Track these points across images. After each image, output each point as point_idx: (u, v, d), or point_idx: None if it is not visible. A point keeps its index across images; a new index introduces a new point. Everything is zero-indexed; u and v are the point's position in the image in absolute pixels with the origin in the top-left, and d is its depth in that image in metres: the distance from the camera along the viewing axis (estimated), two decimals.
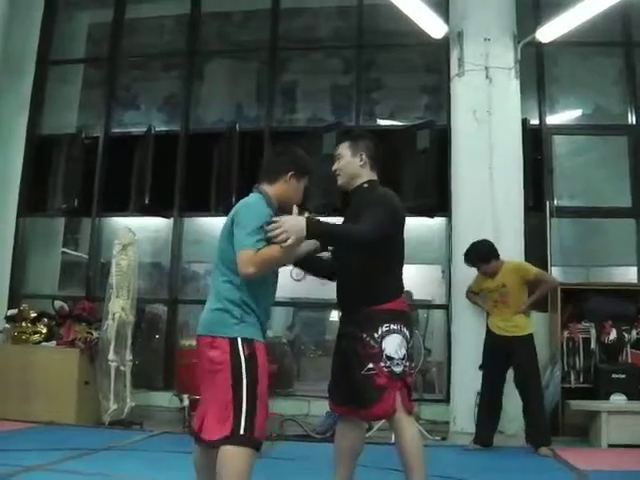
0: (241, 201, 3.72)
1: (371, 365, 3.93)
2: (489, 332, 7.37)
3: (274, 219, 3.56)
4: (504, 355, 7.16)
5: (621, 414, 7.46)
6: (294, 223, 3.56)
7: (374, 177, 4.33)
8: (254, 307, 3.58)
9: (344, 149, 4.32)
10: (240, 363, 3.46)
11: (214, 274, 3.68)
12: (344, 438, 4.21)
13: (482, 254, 7.36)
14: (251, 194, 3.78)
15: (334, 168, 4.33)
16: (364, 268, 4.03)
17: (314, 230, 3.63)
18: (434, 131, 9.55)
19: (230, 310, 3.55)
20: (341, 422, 4.28)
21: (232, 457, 3.36)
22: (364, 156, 4.28)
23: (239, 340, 3.50)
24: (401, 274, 4.22)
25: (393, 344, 3.98)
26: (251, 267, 3.45)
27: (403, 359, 3.99)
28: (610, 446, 7.26)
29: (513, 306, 7.23)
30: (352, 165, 4.28)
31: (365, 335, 3.98)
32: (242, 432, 3.36)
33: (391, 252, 4.14)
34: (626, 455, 6.88)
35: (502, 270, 7.31)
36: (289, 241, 3.49)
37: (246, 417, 3.39)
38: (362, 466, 4.40)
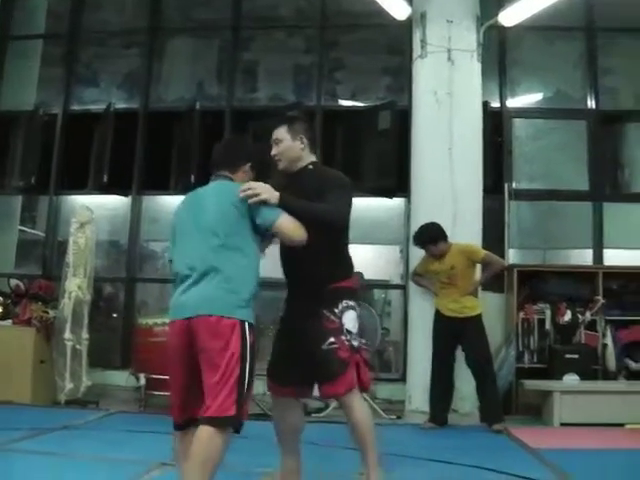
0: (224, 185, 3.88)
1: (332, 339, 3.94)
2: (438, 313, 7.40)
3: (246, 185, 3.67)
4: (453, 336, 7.24)
5: (573, 394, 7.57)
6: (265, 187, 3.68)
7: (314, 158, 4.30)
8: (256, 291, 3.64)
9: (283, 133, 4.22)
10: (246, 347, 3.49)
11: (216, 253, 3.59)
12: (283, 420, 4.24)
13: (430, 235, 7.38)
14: (225, 181, 3.89)
15: (273, 153, 4.24)
16: (321, 247, 3.97)
17: (288, 201, 3.71)
18: (395, 112, 9.59)
19: (239, 292, 3.56)
20: (278, 404, 4.29)
21: (217, 437, 3.39)
22: (304, 139, 4.22)
23: (246, 324, 3.53)
24: (349, 254, 4.26)
25: (351, 319, 4.03)
26: (302, 231, 3.67)
27: (358, 334, 4.05)
28: (562, 425, 7.36)
29: (462, 287, 7.28)
30: (293, 149, 4.21)
31: (325, 311, 3.99)
32: (238, 414, 3.42)
33: (345, 232, 4.16)
34: (577, 434, 6.98)
35: (450, 252, 7.35)
36: (260, 197, 3.62)
37: (243, 400, 3.46)
38: (313, 444, 4.42)
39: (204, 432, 3.39)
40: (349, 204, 4.02)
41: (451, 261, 7.30)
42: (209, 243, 3.61)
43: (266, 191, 3.65)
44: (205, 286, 3.56)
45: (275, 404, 4.33)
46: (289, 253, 4.12)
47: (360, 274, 8.56)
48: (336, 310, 4.01)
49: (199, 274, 3.58)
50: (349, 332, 3.99)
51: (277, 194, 3.68)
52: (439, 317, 7.39)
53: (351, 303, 4.07)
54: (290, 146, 4.19)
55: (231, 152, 4.01)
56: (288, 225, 3.66)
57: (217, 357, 3.45)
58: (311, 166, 4.23)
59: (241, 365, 3.45)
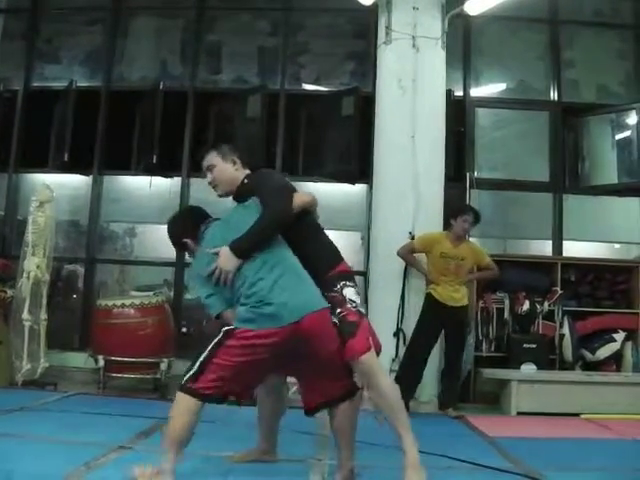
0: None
1: (339, 310, 4.01)
2: (436, 302, 7.36)
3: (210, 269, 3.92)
4: (442, 324, 7.33)
5: (530, 383, 7.69)
6: (223, 259, 3.85)
7: (247, 171, 4.30)
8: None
9: (213, 158, 4.27)
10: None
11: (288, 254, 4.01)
12: (264, 404, 4.43)
13: (459, 207, 7.63)
14: None
15: (209, 180, 4.29)
16: (296, 246, 4.07)
17: (239, 251, 3.84)
18: (359, 98, 9.60)
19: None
20: (264, 387, 4.37)
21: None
22: (236, 158, 4.26)
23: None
24: (328, 240, 4.30)
25: (351, 292, 4.10)
26: None
27: (362, 304, 4.19)
28: (519, 414, 7.47)
29: (462, 278, 7.42)
30: (227, 172, 4.24)
31: (325, 292, 4.02)
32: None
33: (305, 220, 4.20)
34: (533, 423, 7.09)
35: (466, 244, 7.51)
36: (230, 276, 3.84)
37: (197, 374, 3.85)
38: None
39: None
40: (279, 193, 4.03)
41: (464, 253, 7.39)
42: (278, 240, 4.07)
43: (224, 266, 3.86)
44: (299, 284, 3.96)
45: (261, 386, 4.38)
46: None
47: None
48: (335, 288, 4.06)
49: None
50: (352, 301, 4.06)
51: (231, 258, 3.83)
52: (436, 305, 7.34)
53: (349, 283, 4.14)
54: (223, 170, 4.24)
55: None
56: None
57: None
58: (246, 180, 4.24)
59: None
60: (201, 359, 3.76)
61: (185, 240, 4.26)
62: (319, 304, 3.90)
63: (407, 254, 7.67)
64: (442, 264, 7.37)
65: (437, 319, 7.33)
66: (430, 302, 7.41)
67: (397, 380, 7.33)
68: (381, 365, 4.22)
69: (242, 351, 3.74)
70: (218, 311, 4.06)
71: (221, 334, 3.80)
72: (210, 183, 4.28)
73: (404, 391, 7.25)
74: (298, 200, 4.08)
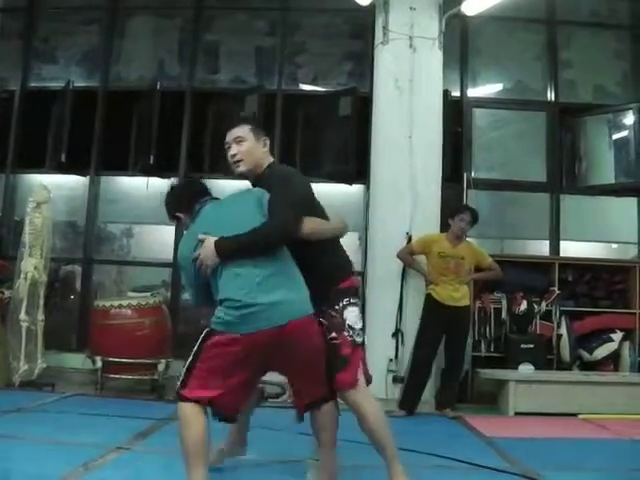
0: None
1: (334, 334, 3.89)
2: (435, 302, 7.35)
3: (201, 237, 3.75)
4: (446, 324, 7.30)
5: (528, 383, 7.69)
6: (206, 251, 3.66)
7: (272, 159, 4.12)
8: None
9: (246, 132, 4.04)
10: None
11: (282, 256, 3.78)
12: None
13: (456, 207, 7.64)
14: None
15: (233, 153, 4.01)
16: (306, 254, 3.84)
17: (222, 251, 3.63)
18: (356, 98, 9.60)
19: None
20: None
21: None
22: (267, 141, 4.10)
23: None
24: (342, 249, 4.15)
25: (353, 315, 3.97)
26: None
27: (362, 330, 4.02)
28: (517, 414, 7.48)
29: (462, 277, 7.42)
30: (257, 150, 4.03)
31: (325, 307, 3.90)
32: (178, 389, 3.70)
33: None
34: (531, 423, 7.09)
35: (464, 244, 7.50)
36: (208, 270, 3.67)
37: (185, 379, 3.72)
38: (269, 429, 4.43)
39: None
40: (291, 208, 3.73)
41: (463, 252, 7.40)
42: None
43: (204, 259, 3.68)
44: (288, 289, 3.77)
45: None
46: None
47: None
48: (337, 307, 3.93)
49: None
50: (351, 327, 3.93)
51: (212, 253, 3.64)
52: (436, 305, 7.34)
53: (352, 300, 4.00)
54: (254, 147, 4.01)
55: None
56: None
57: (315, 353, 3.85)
58: (267, 169, 4.03)
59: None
60: (186, 365, 3.67)
61: (178, 215, 4.13)
62: (306, 310, 3.72)
63: (406, 256, 7.69)
64: (441, 264, 7.38)
65: (438, 320, 7.31)
66: (430, 302, 7.41)
67: (409, 381, 7.36)
68: (369, 396, 4.07)
69: (219, 354, 3.60)
70: (195, 302, 4.01)
71: (201, 336, 3.68)
72: (233, 156, 4.00)
73: (411, 394, 7.32)
74: (309, 225, 3.82)
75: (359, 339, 3.98)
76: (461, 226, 7.40)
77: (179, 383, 3.67)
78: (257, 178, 4.00)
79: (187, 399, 3.60)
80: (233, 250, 3.63)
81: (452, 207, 7.84)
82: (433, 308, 7.37)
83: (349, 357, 3.90)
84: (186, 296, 9.85)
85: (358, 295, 4.14)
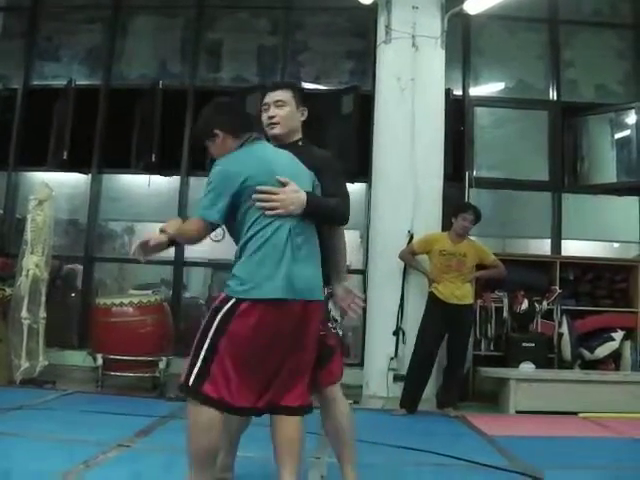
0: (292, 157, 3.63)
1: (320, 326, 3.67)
2: (437, 300, 7.35)
3: (270, 189, 3.37)
4: (447, 322, 7.29)
5: (529, 382, 7.69)
6: (293, 197, 3.40)
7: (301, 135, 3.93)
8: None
9: (288, 97, 3.84)
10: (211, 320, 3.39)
11: (303, 230, 3.46)
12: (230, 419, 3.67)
13: (460, 205, 7.67)
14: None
15: (272, 114, 3.81)
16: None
17: (312, 204, 3.44)
18: (358, 96, 9.62)
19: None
20: None
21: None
22: (305, 113, 3.90)
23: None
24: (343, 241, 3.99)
25: (335, 307, 3.83)
26: None
27: (341, 323, 3.90)
28: (518, 412, 7.48)
29: (465, 275, 7.41)
30: (296, 117, 3.85)
31: None
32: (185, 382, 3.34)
33: None
34: (532, 421, 7.11)
35: (466, 242, 7.49)
36: (278, 212, 3.35)
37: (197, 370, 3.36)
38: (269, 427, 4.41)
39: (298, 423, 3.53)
40: (347, 196, 3.75)
41: (465, 249, 7.40)
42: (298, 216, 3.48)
43: (292, 203, 3.39)
44: (305, 265, 3.46)
45: None
46: None
47: None
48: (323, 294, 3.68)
49: None
50: (335, 319, 3.81)
51: (302, 202, 3.41)
52: (438, 303, 7.34)
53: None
54: (293, 113, 3.83)
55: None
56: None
57: (314, 340, 3.52)
58: (301, 142, 3.86)
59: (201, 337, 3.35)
60: (203, 354, 3.30)
61: (218, 132, 3.55)
62: (321, 293, 3.52)
63: (407, 256, 7.70)
64: (443, 261, 7.38)
65: (440, 318, 7.30)
66: (432, 301, 7.41)
67: (410, 379, 7.36)
68: (341, 392, 3.83)
69: (247, 331, 3.27)
70: (216, 218, 3.40)
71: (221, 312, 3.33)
72: (270, 117, 3.81)
73: (411, 392, 7.32)
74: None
75: (340, 332, 3.90)
76: (464, 225, 7.39)
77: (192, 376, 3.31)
78: (285, 146, 3.77)
79: (202, 398, 3.27)
80: (320, 209, 3.52)
81: (455, 205, 7.82)
82: (435, 306, 7.36)
83: (335, 349, 3.78)
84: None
85: None
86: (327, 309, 3.76)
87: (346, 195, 3.75)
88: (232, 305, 3.31)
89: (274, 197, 3.35)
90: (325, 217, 3.61)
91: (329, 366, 3.74)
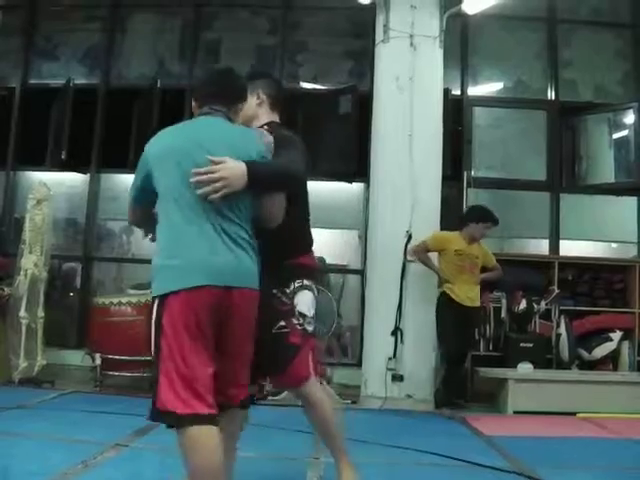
0: (240, 131, 3.33)
1: (283, 323, 3.54)
2: (451, 301, 7.39)
3: (212, 158, 3.05)
4: (462, 323, 7.36)
5: (527, 382, 7.70)
6: (232, 172, 3.05)
7: (275, 118, 3.80)
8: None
9: None
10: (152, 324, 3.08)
11: (221, 213, 3.07)
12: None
13: (479, 214, 7.65)
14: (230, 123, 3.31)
15: None
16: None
17: (256, 175, 3.09)
18: (356, 96, 9.59)
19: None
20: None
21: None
22: (261, 94, 3.76)
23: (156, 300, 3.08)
24: (310, 229, 3.84)
25: (305, 301, 3.63)
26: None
27: (313, 318, 3.66)
28: (516, 413, 7.49)
29: (476, 277, 7.51)
30: (250, 106, 3.67)
31: (276, 291, 3.55)
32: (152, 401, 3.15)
33: (304, 203, 3.76)
34: (530, 422, 7.11)
35: (477, 244, 7.57)
36: (223, 191, 3.02)
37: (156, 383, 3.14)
38: (268, 427, 4.43)
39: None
40: (304, 160, 3.43)
41: (477, 252, 7.51)
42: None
43: (234, 179, 3.04)
44: (232, 250, 3.10)
45: None
46: None
47: (322, 259, 8.61)
48: (287, 290, 3.59)
49: None
50: (302, 315, 3.59)
51: (243, 169, 3.06)
52: (452, 305, 7.39)
53: (307, 283, 3.66)
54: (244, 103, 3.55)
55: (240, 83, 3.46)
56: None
57: (249, 332, 3.19)
58: (266, 127, 3.67)
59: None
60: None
61: (194, 97, 3.54)
62: (257, 281, 3.18)
63: (423, 254, 7.69)
64: (457, 261, 7.44)
65: (456, 318, 7.35)
66: (445, 301, 7.44)
67: (443, 384, 7.38)
68: (318, 386, 3.75)
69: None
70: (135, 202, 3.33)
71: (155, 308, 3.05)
72: None
73: (452, 392, 7.37)
74: None
75: (310, 327, 3.63)
76: (483, 233, 7.53)
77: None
78: None
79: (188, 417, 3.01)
80: (268, 177, 3.20)
81: (475, 210, 7.78)
82: (450, 307, 7.41)
83: (298, 347, 3.58)
84: None
85: (316, 278, 3.80)
86: (293, 304, 3.59)
87: (299, 160, 3.40)
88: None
89: (214, 176, 3.02)
90: (274, 183, 3.26)
91: (293, 365, 3.59)
